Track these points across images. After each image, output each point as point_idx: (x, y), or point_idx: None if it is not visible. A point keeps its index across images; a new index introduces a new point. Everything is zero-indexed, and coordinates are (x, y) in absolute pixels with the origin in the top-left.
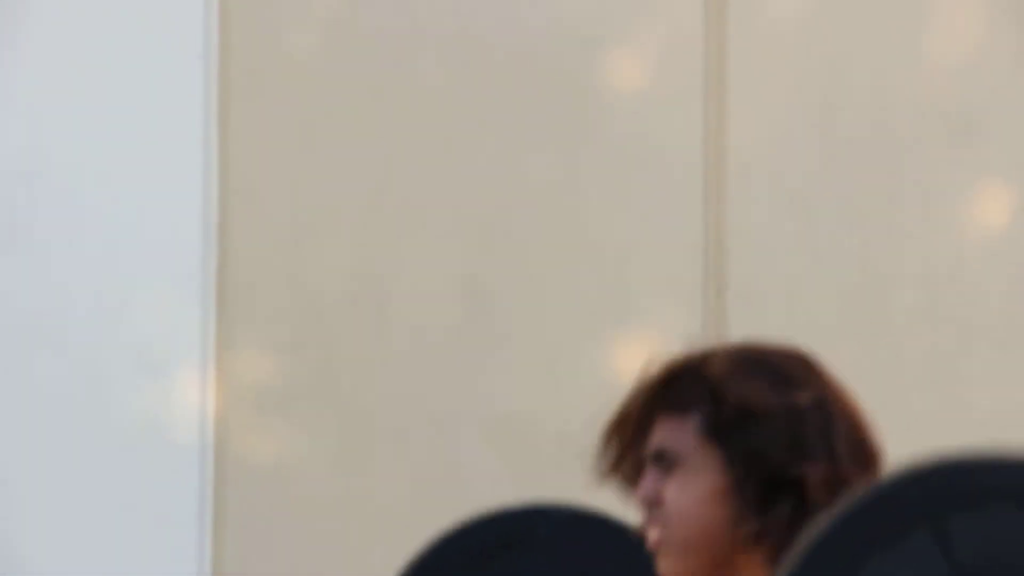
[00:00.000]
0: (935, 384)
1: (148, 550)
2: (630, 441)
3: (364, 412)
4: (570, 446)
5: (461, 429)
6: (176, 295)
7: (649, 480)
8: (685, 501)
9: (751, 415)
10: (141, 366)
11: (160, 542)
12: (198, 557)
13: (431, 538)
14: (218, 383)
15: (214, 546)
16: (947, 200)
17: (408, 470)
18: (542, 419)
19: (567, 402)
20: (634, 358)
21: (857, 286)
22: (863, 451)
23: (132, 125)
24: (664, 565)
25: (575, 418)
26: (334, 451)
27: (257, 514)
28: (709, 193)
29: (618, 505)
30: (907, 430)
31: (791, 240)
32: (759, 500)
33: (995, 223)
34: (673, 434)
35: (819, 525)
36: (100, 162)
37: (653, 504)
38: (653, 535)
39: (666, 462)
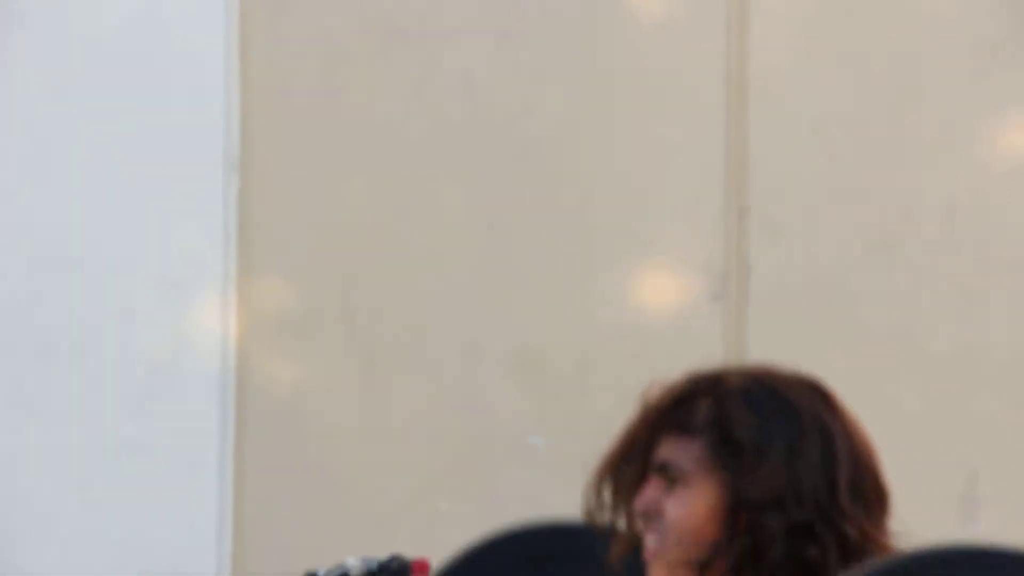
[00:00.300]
0: (956, 313)
1: (170, 477)
2: (637, 451)
3: (384, 340)
4: (591, 376)
5: (481, 358)
6: (197, 222)
7: (651, 490)
8: (683, 516)
9: (755, 450)
10: (163, 294)
11: (182, 469)
12: (219, 483)
13: (459, 553)
14: (239, 310)
15: (236, 472)
16: (970, 127)
17: (428, 399)
18: (563, 349)
19: (588, 332)
20: (656, 286)
21: (878, 213)
22: (866, 492)
23: (153, 56)
24: (655, 574)
25: (596, 348)
26: (354, 378)
27: (278, 440)
28: (731, 120)
29: None
30: (927, 361)
31: (812, 167)
32: (747, 531)
33: (1019, 151)
34: (679, 451)
35: None
36: (122, 92)
37: (653, 514)
38: (650, 543)
39: (669, 476)
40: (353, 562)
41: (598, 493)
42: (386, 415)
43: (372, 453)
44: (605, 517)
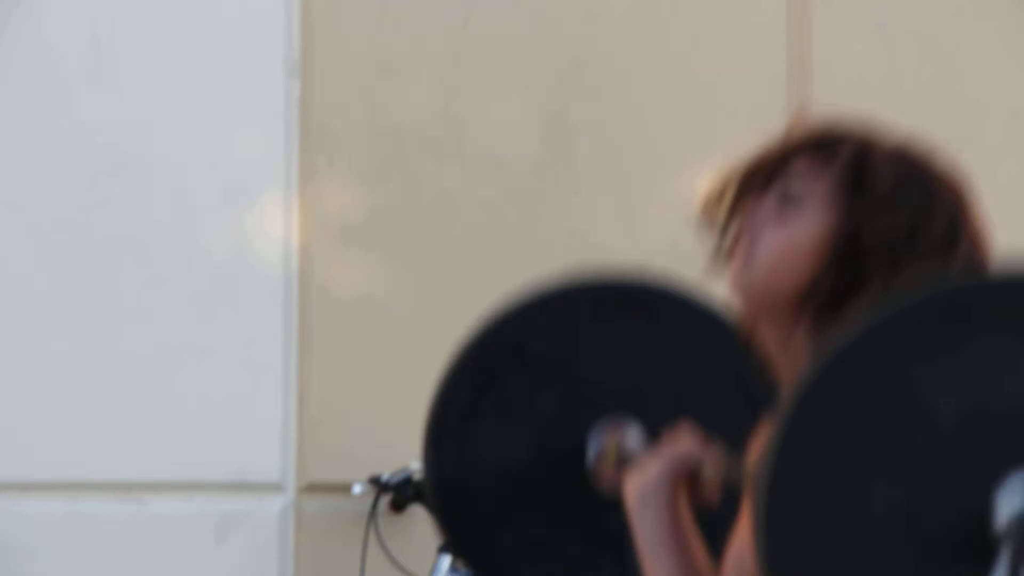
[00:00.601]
0: (1018, 213)
1: (233, 380)
2: (768, 173)
3: (446, 242)
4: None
5: (542, 261)
6: (259, 127)
7: (762, 209)
8: (785, 241)
9: (884, 200)
10: (226, 198)
11: (245, 372)
12: (283, 387)
13: (554, 283)
14: (301, 214)
15: (300, 375)
16: None
17: (489, 300)
18: (623, 251)
19: (649, 234)
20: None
21: (940, 117)
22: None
23: None
24: (740, 298)
25: (657, 249)
26: (416, 281)
27: (341, 343)
28: (793, 23)
29: None
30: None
31: (873, 70)
32: (846, 270)
33: None
34: (806, 176)
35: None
36: (184, 0)
37: (755, 236)
38: (738, 267)
39: (786, 202)
40: (416, 466)
41: (719, 199)
42: (445, 318)
43: (431, 356)
44: (716, 229)
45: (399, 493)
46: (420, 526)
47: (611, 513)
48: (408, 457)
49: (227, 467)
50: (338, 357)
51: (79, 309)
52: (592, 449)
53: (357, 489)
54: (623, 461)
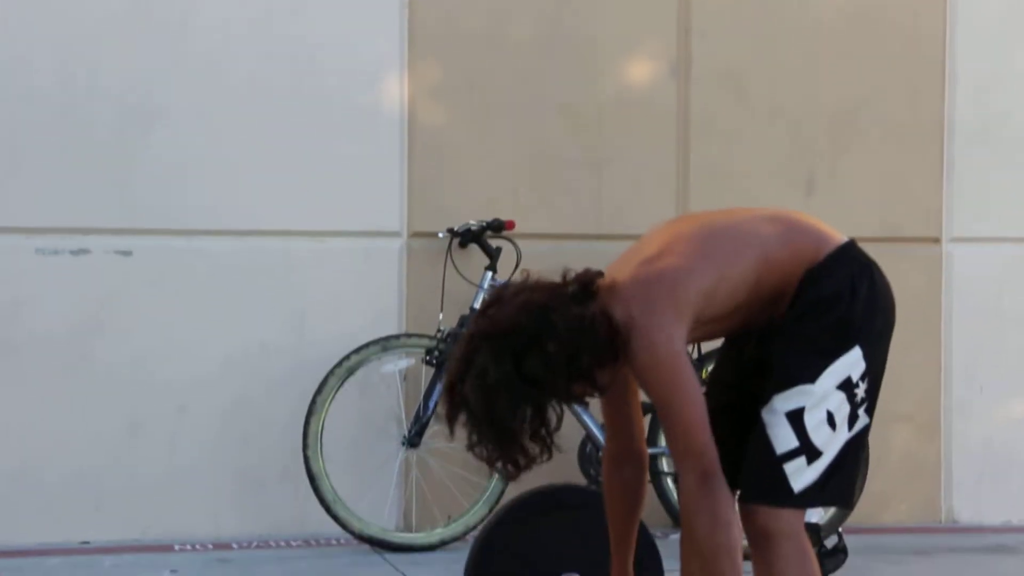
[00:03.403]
0: None
1: (367, 162)
2: None
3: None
4: None
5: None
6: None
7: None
8: None
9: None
10: (344, 51)
11: (376, 157)
12: (400, 168)
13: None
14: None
15: (410, 163)
16: None
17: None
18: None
19: None
20: None
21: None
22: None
23: None
24: None
25: None
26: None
27: (437, 143)
28: None
29: None
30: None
31: None
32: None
33: None
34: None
35: None
36: None
37: None
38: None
39: None
40: (472, 222)
41: None
42: (501, 146)
43: (491, 159)
44: None
45: (463, 237)
46: (476, 256)
47: None
48: (469, 217)
49: (369, 222)
50: (434, 152)
51: (230, 116)
52: None
53: (440, 235)
54: None
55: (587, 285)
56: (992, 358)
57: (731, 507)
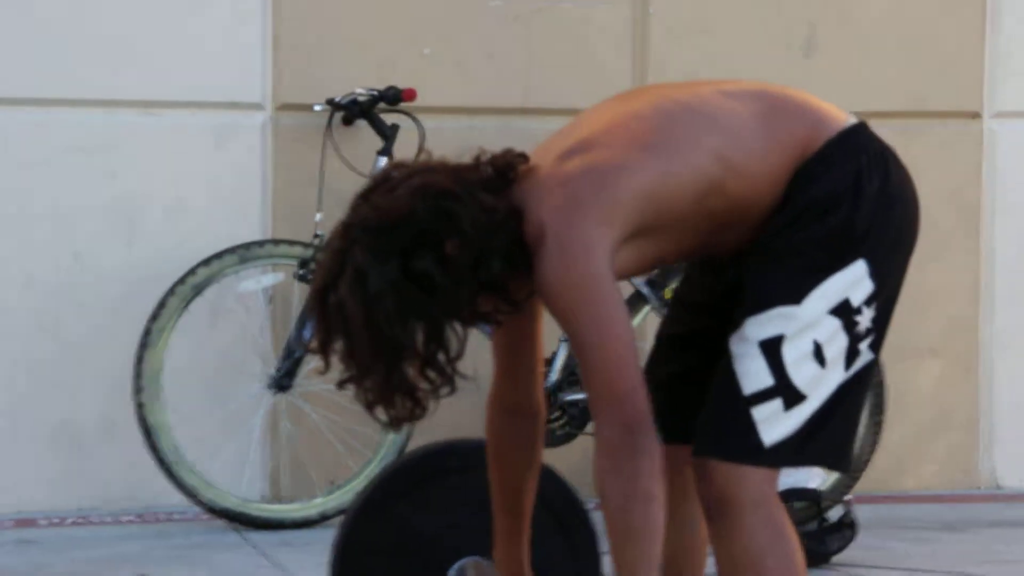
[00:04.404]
0: None
1: (228, 23)
2: None
3: None
4: None
5: None
6: None
7: None
8: None
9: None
10: None
11: (236, 17)
12: (262, 29)
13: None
14: None
15: (275, 20)
16: None
17: None
18: None
19: None
20: None
21: None
22: None
23: None
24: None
25: None
26: None
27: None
28: None
29: None
30: None
31: None
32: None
33: None
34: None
35: None
36: None
37: None
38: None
39: None
40: (360, 90)
41: None
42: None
43: (382, 12)
44: None
45: (348, 111)
46: (365, 136)
47: None
48: (355, 84)
49: (221, 91)
50: (304, 8)
51: None
52: None
53: (317, 107)
54: None
55: (505, 170)
56: None
57: (657, 476)
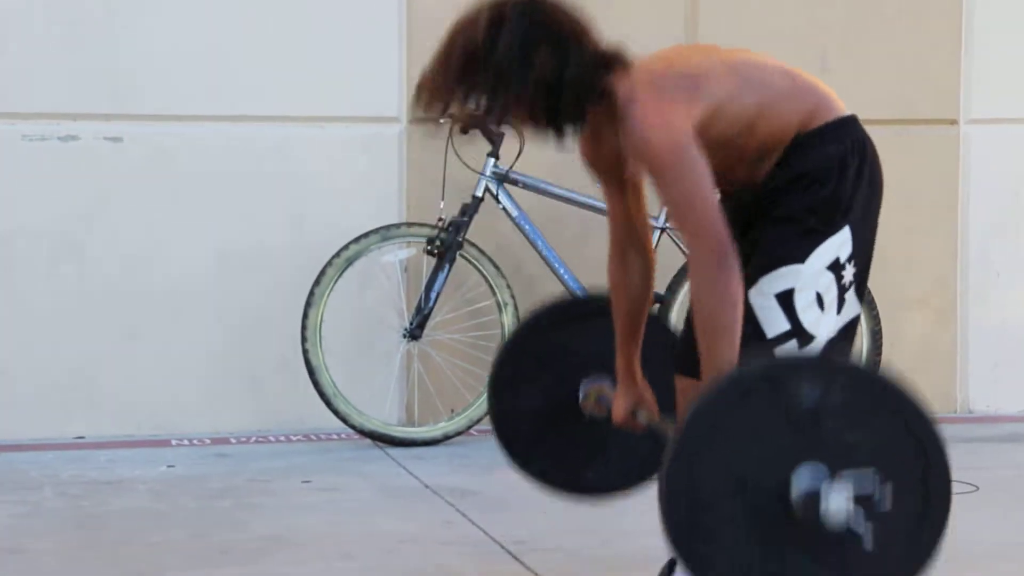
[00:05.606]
0: None
1: (365, 48)
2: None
3: None
4: None
5: None
6: None
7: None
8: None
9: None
10: None
11: (373, 42)
12: (398, 51)
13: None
14: None
15: (408, 46)
16: None
17: None
18: None
19: None
20: None
21: None
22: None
23: None
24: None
25: None
26: None
27: (440, 26)
28: None
29: None
30: None
31: None
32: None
33: None
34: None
35: None
36: None
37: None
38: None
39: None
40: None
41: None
42: None
43: None
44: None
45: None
46: (478, 142)
47: (593, 429)
48: None
49: (368, 107)
50: (434, 34)
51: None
52: (581, 394)
53: (441, 120)
54: (600, 400)
55: (614, 57)
56: (1010, 243)
57: (740, 284)
